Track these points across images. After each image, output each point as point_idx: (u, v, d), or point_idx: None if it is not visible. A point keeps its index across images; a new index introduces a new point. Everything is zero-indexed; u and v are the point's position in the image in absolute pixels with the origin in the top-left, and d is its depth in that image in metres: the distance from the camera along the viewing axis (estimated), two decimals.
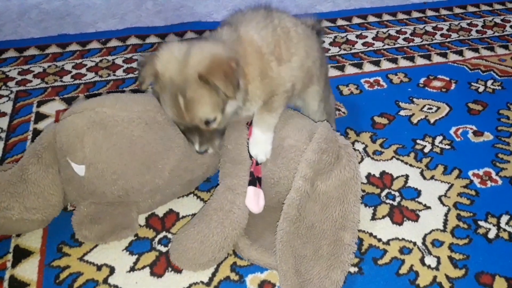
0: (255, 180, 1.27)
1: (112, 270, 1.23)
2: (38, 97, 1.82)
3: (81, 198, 1.28)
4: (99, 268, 1.23)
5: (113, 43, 2.20)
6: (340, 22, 2.44)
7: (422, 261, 1.26)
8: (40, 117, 1.72)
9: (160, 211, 1.38)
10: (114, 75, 1.97)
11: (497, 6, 2.66)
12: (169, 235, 1.32)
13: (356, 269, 1.23)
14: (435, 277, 1.22)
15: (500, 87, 1.96)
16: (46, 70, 2.00)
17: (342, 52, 2.19)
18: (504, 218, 1.38)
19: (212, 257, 1.20)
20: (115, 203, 1.29)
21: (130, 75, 1.97)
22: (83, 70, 2.00)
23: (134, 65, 2.04)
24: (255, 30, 1.25)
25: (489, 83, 1.98)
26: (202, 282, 1.20)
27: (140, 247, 1.28)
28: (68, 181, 1.26)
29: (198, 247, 1.19)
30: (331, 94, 1.62)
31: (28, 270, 1.21)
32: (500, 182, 1.51)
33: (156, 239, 1.31)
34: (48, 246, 1.28)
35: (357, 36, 2.32)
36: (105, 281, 1.20)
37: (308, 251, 1.20)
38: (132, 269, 1.23)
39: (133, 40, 2.22)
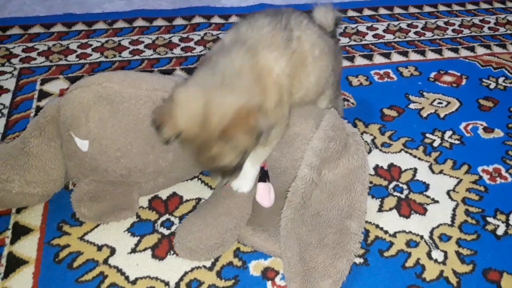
0: (264, 176, 1.26)
1: (112, 251, 1.20)
2: (42, 75, 1.79)
3: (82, 175, 1.26)
4: (99, 248, 1.21)
5: (120, 24, 2.16)
6: (350, 13, 2.41)
7: (429, 255, 1.23)
8: (44, 95, 1.69)
9: (164, 194, 1.36)
10: (120, 56, 1.94)
11: (510, 4, 2.62)
12: (172, 218, 1.29)
13: (361, 260, 1.21)
14: (442, 271, 1.20)
15: (511, 85, 1.93)
16: (51, 48, 1.96)
17: (352, 43, 2.15)
18: None
19: (219, 239, 1.17)
20: (116, 182, 1.26)
21: (136, 57, 1.94)
22: (89, 50, 1.97)
23: (141, 47, 2.00)
24: (275, 59, 1.12)
25: (501, 80, 1.95)
26: (205, 267, 1.17)
27: (142, 229, 1.26)
28: (70, 156, 1.24)
29: (204, 230, 1.17)
30: (340, 94, 1.56)
31: (27, 248, 1.18)
32: (510, 179, 1.48)
33: (159, 222, 1.28)
34: (48, 224, 1.25)
35: (367, 28, 2.28)
36: (105, 261, 1.18)
37: (313, 239, 1.17)
38: (133, 250, 1.21)
39: (140, 22, 2.18)
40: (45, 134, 1.23)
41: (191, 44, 2.05)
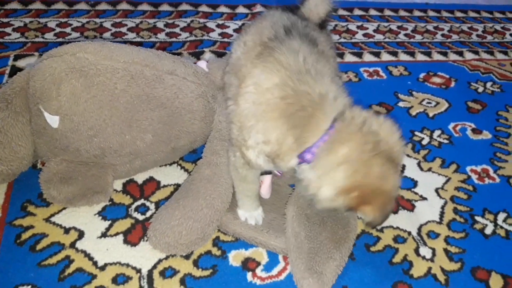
0: None
1: (81, 234, 1.11)
2: (16, 51, 1.68)
3: (52, 154, 1.16)
4: (66, 231, 1.11)
5: (103, 6, 2.07)
6: (341, 12, 2.38)
7: (416, 251, 1.18)
8: (16, 70, 1.56)
9: (140, 178, 1.27)
10: (101, 37, 1.85)
11: (497, 15, 2.64)
12: (148, 203, 1.20)
13: None
14: (429, 268, 1.14)
15: (499, 90, 1.92)
16: (27, 25, 1.85)
17: (342, 40, 2.11)
18: (501, 216, 1.32)
19: (201, 234, 1.08)
20: (89, 163, 1.16)
21: (118, 39, 1.84)
22: (68, 29, 1.87)
23: (123, 29, 1.91)
24: None
25: (489, 84, 1.94)
26: (181, 255, 1.09)
27: (114, 213, 1.17)
28: (39, 133, 1.13)
29: (185, 223, 1.07)
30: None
31: None
32: (498, 180, 1.45)
33: (133, 206, 1.19)
34: (12, 204, 1.15)
35: (358, 27, 2.25)
36: (72, 245, 1.08)
37: (317, 219, 1.13)
38: (104, 235, 1.11)
39: (124, 6, 2.09)
40: (12, 107, 1.12)
41: (177, 30, 1.97)
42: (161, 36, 1.91)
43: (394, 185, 0.91)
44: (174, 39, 1.90)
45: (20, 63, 1.62)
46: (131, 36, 1.88)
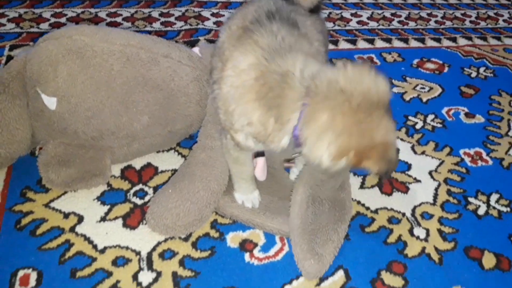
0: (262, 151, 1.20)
1: (80, 219, 1.12)
2: (11, 41, 1.69)
3: (50, 137, 1.17)
4: (66, 216, 1.12)
5: None
6: (335, 0, 2.38)
7: (411, 231, 1.20)
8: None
9: (138, 164, 1.28)
10: None
11: (490, 1, 2.65)
12: (146, 188, 1.22)
13: None
14: (424, 248, 1.17)
15: (492, 75, 1.94)
16: (22, 15, 1.86)
17: (337, 27, 2.12)
18: (494, 197, 1.34)
19: (198, 216, 1.10)
20: (87, 146, 1.18)
21: None
22: (63, 20, 1.87)
23: (118, 19, 1.92)
24: None
25: (482, 69, 1.96)
26: (180, 238, 1.11)
27: (113, 198, 1.18)
28: (37, 116, 1.14)
29: (182, 206, 1.09)
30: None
31: None
32: (490, 162, 1.47)
33: (132, 191, 1.21)
34: (11, 190, 1.16)
35: (352, 15, 2.26)
36: (72, 229, 1.10)
37: (316, 200, 1.14)
38: (103, 219, 1.13)
39: None
40: (9, 90, 1.13)
41: (171, 19, 1.98)
42: (156, 26, 1.92)
43: (384, 132, 0.88)
44: (169, 28, 1.91)
45: (16, 53, 1.62)
46: (126, 25, 1.89)
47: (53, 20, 1.86)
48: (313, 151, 0.89)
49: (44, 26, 1.81)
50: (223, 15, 2.06)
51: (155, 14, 2.00)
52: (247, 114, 0.93)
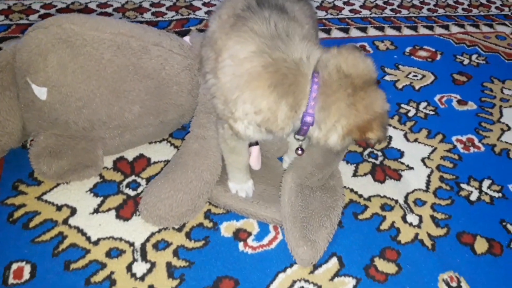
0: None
1: (73, 211, 1.12)
2: (1, 34, 1.67)
3: (41, 128, 1.16)
4: (59, 208, 1.12)
5: None
6: None
7: (404, 218, 1.21)
8: None
9: (130, 155, 1.28)
10: None
11: None
12: (139, 180, 1.22)
13: None
14: (416, 234, 1.17)
15: (484, 62, 1.94)
16: (11, 7, 1.83)
17: (329, 16, 2.11)
18: (486, 183, 1.35)
19: (191, 206, 1.10)
20: (78, 136, 1.17)
21: None
22: (53, 11, 1.85)
23: (109, 10, 1.90)
24: None
25: (474, 57, 1.96)
26: (173, 228, 1.11)
27: (106, 190, 1.18)
28: (28, 106, 1.13)
29: (175, 196, 1.09)
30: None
31: None
32: (482, 149, 1.48)
33: (124, 183, 1.20)
34: (2, 184, 1.16)
35: (344, 3, 2.25)
36: (65, 221, 1.09)
37: (307, 190, 1.16)
38: (96, 211, 1.13)
39: None
40: None
41: (162, 9, 1.96)
42: (147, 16, 1.90)
43: (381, 105, 0.98)
44: (160, 18, 1.89)
45: (5, 45, 1.60)
46: (117, 16, 1.87)
47: (42, 11, 1.83)
48: (326, 134, 0.97)
49: (34, 17, 1.79)
50: (215, 4, 2.05)
51: (146, 4, 1.98)
52: (255, 100, 0.94)
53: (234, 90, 0.95)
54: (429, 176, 1.35)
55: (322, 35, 1.94)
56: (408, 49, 1.94)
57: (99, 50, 1.11)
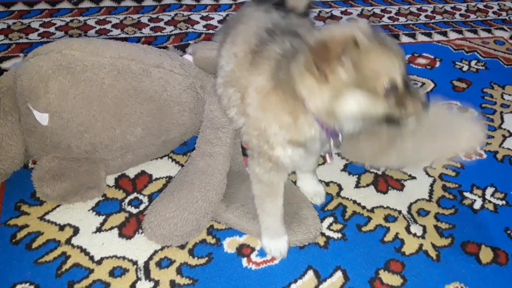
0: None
1: (76, 231, 1.12)
2: (1, 53, 1.68)
3: (44, 152, 1.16)
4: (61, 228, 1.12)
5: (86, 4, 2.06)
6: None
7: (407, 229, 1.21)
8: (1, 72, 1.56)
9: (131, 172, 1.28)
10: (86, 35, 1.84)
11: None
12: (141, 197, 1.22)
13: (339, 235, 1.17)
14: (421, 245, 1.17)
15: (483, 67, 1.94)
16: (11, 27, 1.85)
17: None
18: (489, 190, 1.35)
19: (196, 225, 1.10)
20: (81, 159, 1.17)
21: (103, 36, 1.84)
22: (52, 29, 1.86)
23: (108, 26, 1.91)
24: None
25: (473, 63, 1.96)
26: (176, 246, 1.10)
27: (108, 208, 1.18)
28: (30, 131, 1.14)
29: (180, 215, 1.08)
30: None
31: None
32: (484, 156, 1.48)
33: (126, 200, 1.20)
34: (5, 204, 1.16)
35: (342, 12, 2.26)
36: (68, 241, 1.09)
37: None
38: (99, 230, 1.13)
39: (107, 3, 2.08)
40: (1, 106, 1.13)
41: (161, 24, 1.97)
42: (146, 31, 1.91)
43: (333, 32, 0.91)
44: (159, 33, 1.90)
45: (6, 65, 1.62)
46: (115, 32, 1.88)
47: (42, 30, 1.85)
48: (323, 100, 0.90)
49: (33, 36, 1.80)
50: (213, 18, 2.06)
51: (144, 19, 1.99)
52: (277, 117, 0.96)
53: (261, 119, 0.98)
54: (431, 185, 1.35)
55: None
56: (407, 57, 1.92)
57: (99, 75, 1.12)
